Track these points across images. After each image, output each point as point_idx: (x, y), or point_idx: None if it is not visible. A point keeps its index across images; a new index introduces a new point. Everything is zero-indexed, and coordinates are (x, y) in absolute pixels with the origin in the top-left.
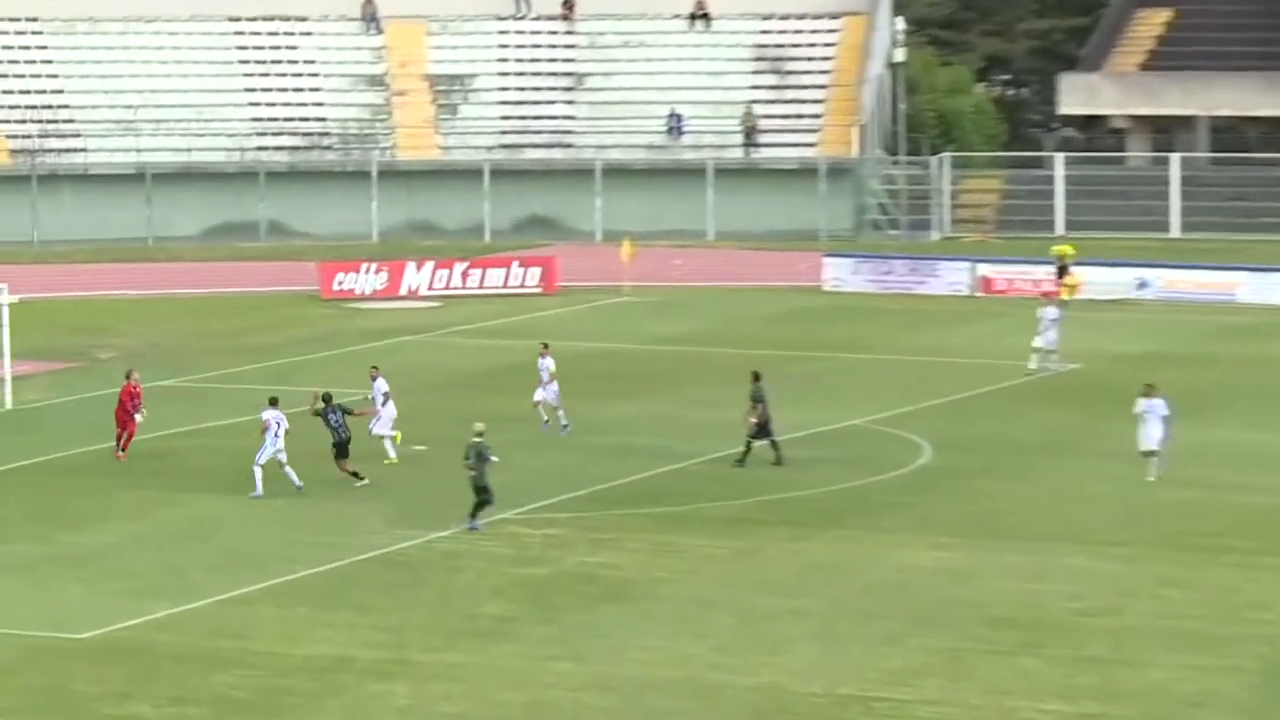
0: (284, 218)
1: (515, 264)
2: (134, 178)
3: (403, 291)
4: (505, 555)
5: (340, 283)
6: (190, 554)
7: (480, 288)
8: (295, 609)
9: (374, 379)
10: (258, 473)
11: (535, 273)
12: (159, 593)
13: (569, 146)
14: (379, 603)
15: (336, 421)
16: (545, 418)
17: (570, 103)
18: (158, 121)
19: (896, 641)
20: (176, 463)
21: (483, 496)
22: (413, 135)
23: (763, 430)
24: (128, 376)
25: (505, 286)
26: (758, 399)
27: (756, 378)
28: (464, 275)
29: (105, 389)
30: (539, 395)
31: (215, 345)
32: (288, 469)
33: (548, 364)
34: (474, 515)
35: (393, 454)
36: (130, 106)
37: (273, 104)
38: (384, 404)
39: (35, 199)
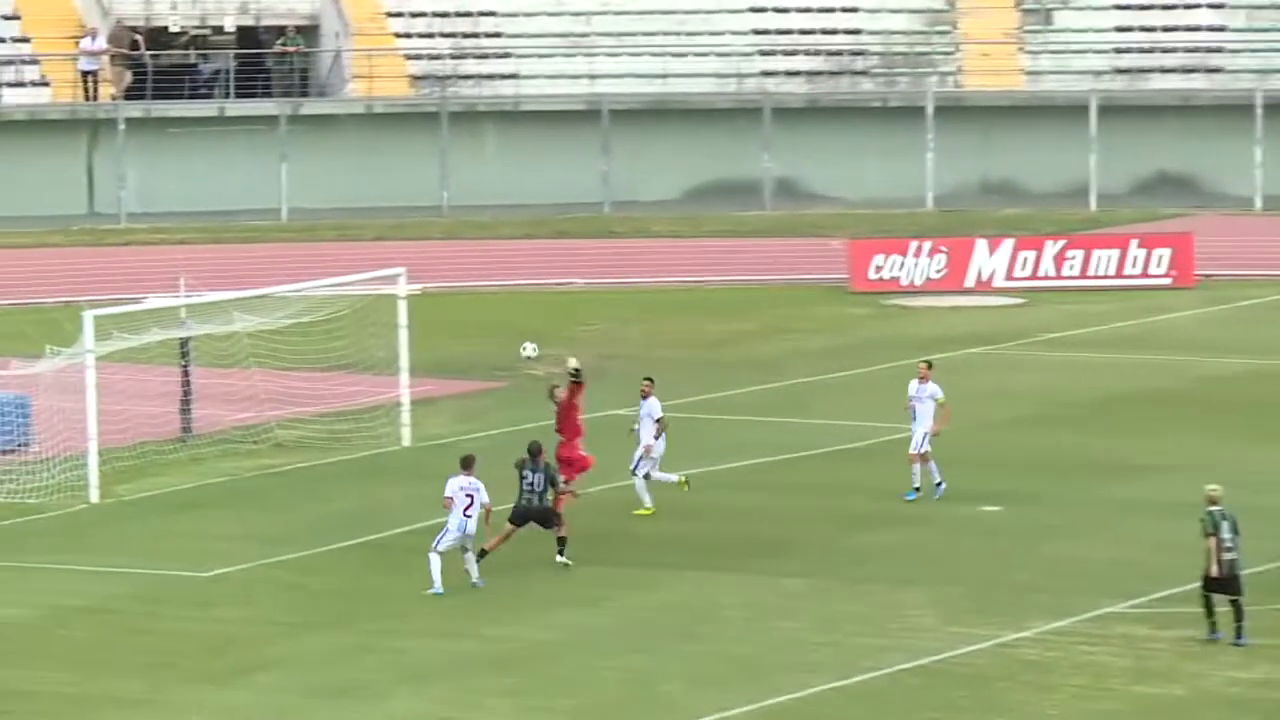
0: (798, 174)
1: (1134, 244)
2: (585, 116)
3: (969, 282)
4: (1118, 666)
5: (879, 269)
6: (662, 657)
7: (1083, 277)
8: None
9: (645, 396)
10: (434, 562)
11: (1162, 256)
12: (621, 711)
13: (1216, 71)
14: None
15: (529, 484)
16: (918, 483)
17: (1218, 7)
18: (619, 37)
19: None
20: (644, 527)
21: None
22: (986, 56)
23: None
24: (551, 396)
25: (1119, 276)
26: None
27: None
28: (1058, 259)
29: (539, 420)
30: (919, 445)
31: (699, 357)
32: (468, 556)
33: (930, 392)
34: (1237, 624)
35: (648, 501)
36: (581, 14)
37: (784, 10)
38: (655, 435)
39: (445, 146)
